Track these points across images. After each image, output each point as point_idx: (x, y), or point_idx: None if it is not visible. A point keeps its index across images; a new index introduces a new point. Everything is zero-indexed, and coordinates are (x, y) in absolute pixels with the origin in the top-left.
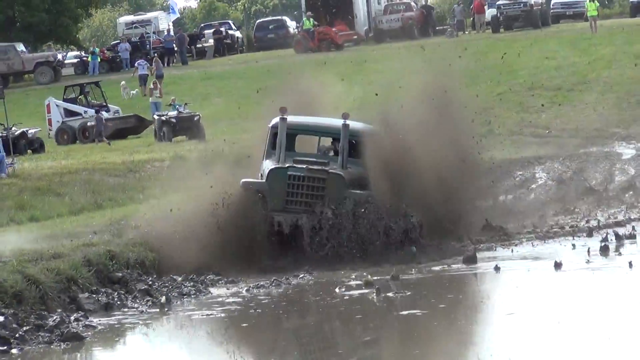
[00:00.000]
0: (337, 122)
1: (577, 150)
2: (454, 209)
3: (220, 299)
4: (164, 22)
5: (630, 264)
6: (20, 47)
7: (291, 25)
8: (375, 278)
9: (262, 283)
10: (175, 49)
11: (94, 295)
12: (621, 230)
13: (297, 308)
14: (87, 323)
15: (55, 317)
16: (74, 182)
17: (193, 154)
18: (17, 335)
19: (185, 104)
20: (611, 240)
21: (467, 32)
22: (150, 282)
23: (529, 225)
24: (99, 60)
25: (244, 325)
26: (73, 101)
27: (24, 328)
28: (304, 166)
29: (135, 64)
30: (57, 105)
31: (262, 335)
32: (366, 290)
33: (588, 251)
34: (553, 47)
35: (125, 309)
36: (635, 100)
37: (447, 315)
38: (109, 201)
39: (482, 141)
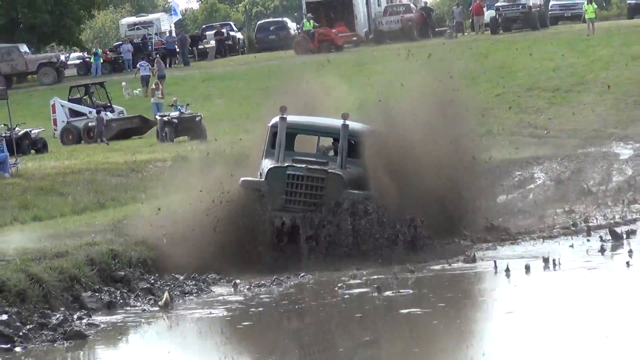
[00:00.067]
0: (337, 122)
1: (576, 151)
2: (454, 208)
3: (221, 298)
4: (166, 23)
5: (628, 263)
6: (24, 48)
7: (292, 26)
8: (375, 277)
9: (263, 282)
10: (177, 50)
11: (97, 294)
12: (619, 230)
13: (298, 307)
14: (89, 321)
15: (58, 316)
16: (76, 182)
17: (195, 154)
18: (20, 333)
19: (187, 104)
20: (609, 239)
21: (466, 34)
22: (152, 281)
23: (527, 225)
24: (101, 61)
25: (246, 324)
26: (78, 101)
27: (28, 326)
28: (303, 165)
29: (137, 65)
30: (62, 106)
31: (263, 334)
32: (367, 289)
33: (587, 251)
34: (551, 49)
35: (128, 308)
36: (633, 101)
37: (446, 314)
38: (111, 201)
39: (482, 141)
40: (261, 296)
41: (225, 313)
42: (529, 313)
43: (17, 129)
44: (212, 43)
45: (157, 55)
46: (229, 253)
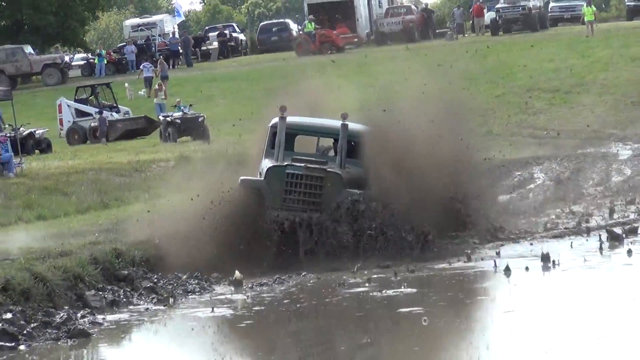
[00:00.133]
0: (336, 122)
1: (575, 151)
2: (454, 208)
3: (224, 297)
4: (169, 24)
5: (627, 263)
6: (28, 49)
7: (294, 28)
8: (376, 276)
9: (264, 281)
10: (180, 51)
11: (100, 293)
12: (618, 230)
13: (300, 306)
14: (93, 320)
15: (62, 314)
16: (80, 181)
17: (198, 154)
18: (25, 331)
19: (190, 105)
20: (608, 239)
21: (466, 35)
22: (155, 280)
23: (527, 225)
24: (105, 62)
25: (248, 322)
26: (84, 102)
27: (32, 325)
28: (302, 165)
29: (141, 67)
30: (68, 106)
31: (265, 333)
32: (368, 288)
33: (586, 250)
34: (551, 50)
35: (131, 306)
36: (632, 102)
37: (447, 313)
38: (115, 200)
39: (482, 142)
40: (263, 295)
41: (227, 312)
42: (528, 312)
43: (21, 129)
44: (215, 44)
45: (161, 57)
46: (230, 252)
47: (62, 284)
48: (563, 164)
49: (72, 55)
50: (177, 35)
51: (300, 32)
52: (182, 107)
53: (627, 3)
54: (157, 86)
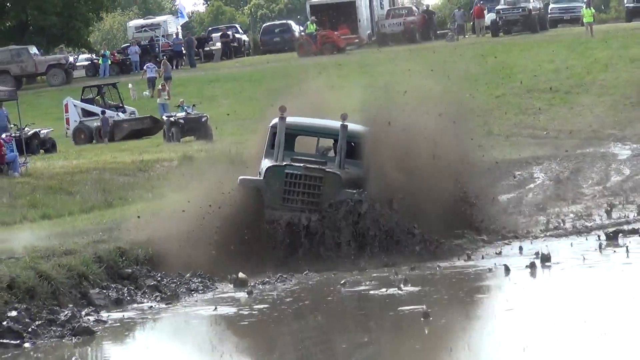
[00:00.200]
0: (336, 123)
1: (574, 151)
2: (455, 209)
3: (226, 295)
4: (173, 25)
5: (626, 262)
6: (33, 49)
7: (296, 29)
8: (377, 275)
9: (267, 279)
10: (184, 52)
11: (105, 291)
12: (617, 229)
13: (302, 304)
14: (97, 318)
15: (66, 312)
16: (85, 181)
17: (201, 153)
18: (29, 329)
19: (193, 105)
20: (607, 238)
21: (467, 36)
22: (159, 278)
23: (527, 224)
24: (109, 62)
25: (251, 320)
26: (90, 102)
27: (37, 322)
28: (301, 165)
29: (144, 67)
30: (74, 106)
31: (267, 331)
32: (369, 287)
33: (585, 249)
34: (551, 51)
35: (135, 304)
36: (631, 102)
37: (447, 312)
38: (119, 200)
39: (482, 142)
40: (266, 293)
41: (230, 310)
42: (528, 310)
43: (26, 129)
44: (218, 45)
45: (164, 57)
46: (230, 252)
47: (67, 282)
48: (562, 164)
49: (76, 56)
50: (180, 36)
51: (302, 33)
52: (185, 107)
53: (626, 4)
54: (160, 86)
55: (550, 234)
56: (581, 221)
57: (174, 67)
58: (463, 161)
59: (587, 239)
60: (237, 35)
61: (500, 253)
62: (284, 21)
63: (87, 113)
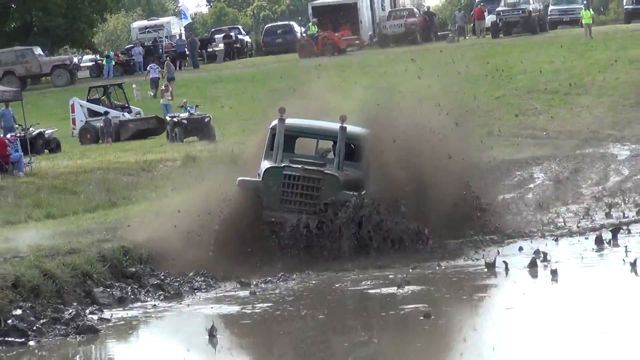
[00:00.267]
0: (335, 125)
1: (574, 152)
2: (457, 209)
3: (229, 294)
4: (176, 27)
5: (625, 261)
6: (38, 50)
7: (298, 30)
8: (378, 274)
9: (269, 278)
10: (187, 53)
11: (109, 290)
12: (616, 228)
13: (304, 303)
14: (101, 316)
15: (71, 311)
16: (89, 180)
17: (204, 153)
18: (34, 328)
19: (197, 106)
20: (607, 238)
21: (467, 38)
22: (162, 277)
23: (527, 224)
24: (113, 63)
25: (253, 319)
26: (96, 102)
27: (41, 321)
28: (300, 166)
29: (148, 68)
30: (81, 106)
31: (269, 329)
32: (370, 286)
33: (584, 249)
34: (550, 52)
35: (139, 303)
36: (630, 103)
37: (448, 310)
38: (122, 199)
39: (482, 143)
40: (268, 292)
41: (233, 308)
42: (528, 309)
43: (31, 129)
44: (221, 46)
45: (167, 58)
46: (228, 252)
47: (71, 281)
48: (562, 164)
49: (80, 57)
50: (183, 37)
51: (304, 35)
52: (188, 108)
53: (625, 6)
54: (163, 87)
55: (550, 234)
56: (580, 221)
57: (177, 67)
58: (468, 162)
59: (586, 239)
60: (239, 37)
61: (500, 252)
62: (286, 22)
63: (93, 113)
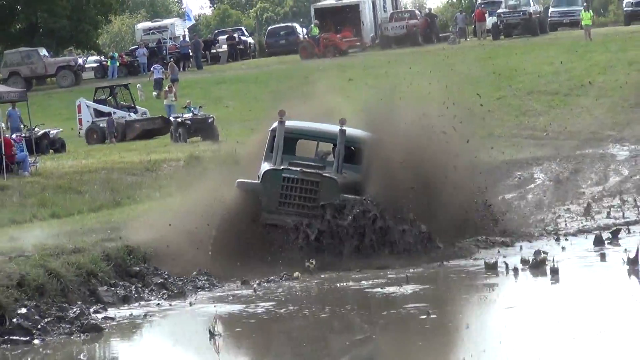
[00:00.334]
0: (335, 127)
1: (574, 152)
2: (457, 210)
3: (232, 293)
4: (180, 28)
5: (624, 261)
6: (43, 51)
7: (301, 32)
8: (379, 273)
9: (272, 277)
10: (191, 54)
11: (113, 288)
12: (616, 229)
13: (306, 302)
14: (105, 315)
15: (75, 309)
16: (93, 180)
17: (207, 154)
18: (39, 326)
19: (200, 106)
20: (607, 238)
21: (468, 39)
22: (166, 276)
23: (527, 224)
24: (117, 64)
25: (256, 317)
26: (103, 102)
27: (46, 320)
28: (298, 169)
29: (151, 69)
30: (87, 106)
31: (271, 327)
32: (370, 286)
33: (584, 248)
34: (551, 54)
35: (142, 302)
36: (629, 104)
37: (449, 310)
38: (127, 199)
39: (482, 143)
40: (271, 291)
41: (235, 307)
42: (529, 308)
43: (36, 129)
44: (225, 47)
45: (171, 59)
46: (229, 252)
47: (76, 280)
48: (562, 165)
49: (85, 58)
50: (187, 39)
51: (306, 36)
52: (192, 109)
53: (625, 8)
54: (167, 88)
55: (550, 234)
56: (580, 221)
57: (181, 69)
58: (471, 162)
59: (587, 238)
60: (243, 38)
61: (500, 252)
62: (289, 24)
63: (99, 113)
